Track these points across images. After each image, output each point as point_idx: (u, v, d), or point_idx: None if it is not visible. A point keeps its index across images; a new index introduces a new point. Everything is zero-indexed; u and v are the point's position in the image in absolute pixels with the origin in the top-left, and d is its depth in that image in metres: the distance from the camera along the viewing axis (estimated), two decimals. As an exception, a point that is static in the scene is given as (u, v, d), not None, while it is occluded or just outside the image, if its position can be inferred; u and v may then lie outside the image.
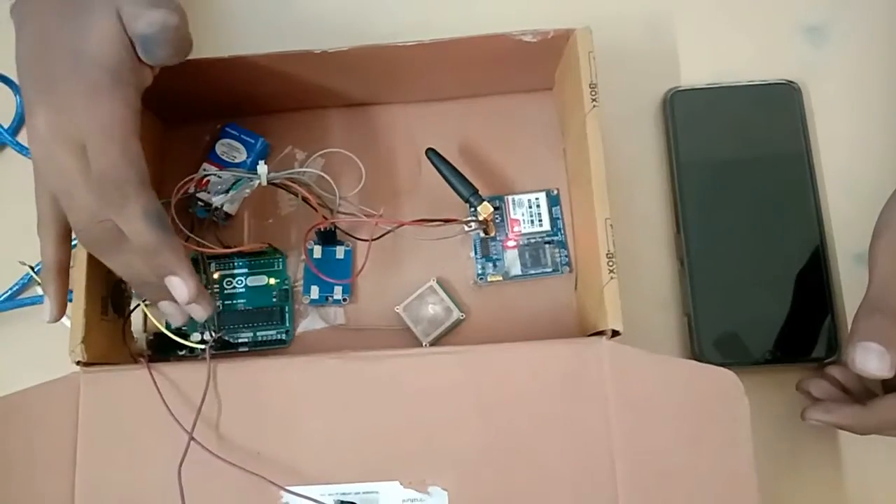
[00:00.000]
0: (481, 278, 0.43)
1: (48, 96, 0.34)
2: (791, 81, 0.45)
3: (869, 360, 0.35)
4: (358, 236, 0.44)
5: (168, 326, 0.43)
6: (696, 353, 0.42)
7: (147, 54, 0.34)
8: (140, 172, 0.34)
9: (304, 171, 0.42)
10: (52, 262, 0.37)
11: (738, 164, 0.44)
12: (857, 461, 0.41)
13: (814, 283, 0.42)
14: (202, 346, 0.37)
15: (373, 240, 0.42)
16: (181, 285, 0.36)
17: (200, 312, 0.37)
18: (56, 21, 0.35)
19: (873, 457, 0.40)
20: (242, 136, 0.44)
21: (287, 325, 0.43)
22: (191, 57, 0.37)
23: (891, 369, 0.34)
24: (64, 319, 0.42)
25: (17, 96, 0.48)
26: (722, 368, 0.35)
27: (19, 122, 0.48)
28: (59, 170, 0.34)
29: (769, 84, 0.45)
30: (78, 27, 0.34)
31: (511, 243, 0.44)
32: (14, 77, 0.48)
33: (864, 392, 0.39)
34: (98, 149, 0.34)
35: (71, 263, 0.38)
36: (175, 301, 0.37)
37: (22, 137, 0.47)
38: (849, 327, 0.41)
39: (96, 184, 0.34)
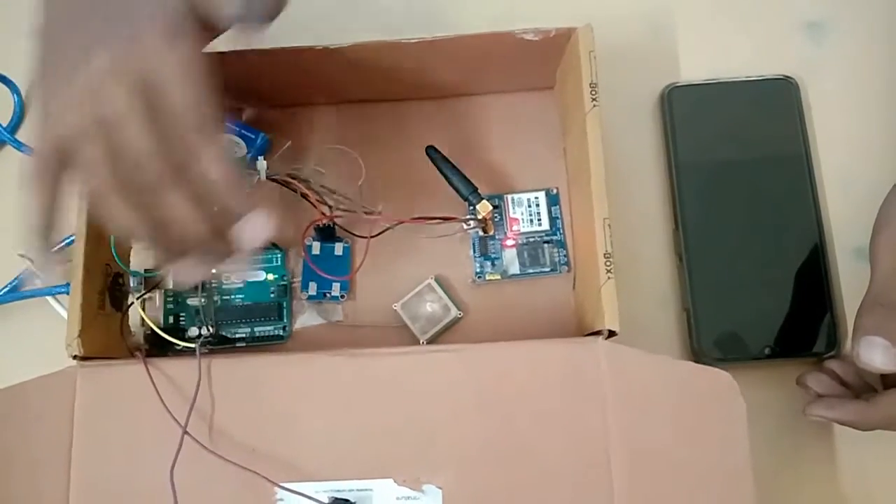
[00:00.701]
0: (479, 277, 0.43)
1: (111, 34, 0.32)
2: (789, 77, 0.45)
3: (874, 354, 0.35)
4: (357, 233, 0.44)
5: (164, 322, 0.43)
6: (696, 349, 0.42)
7: (238, 21, 0.34)
8: (218, 114, 0.33)
9: (303, 167, 0.41)
10: (38, 215, 0.34)
11: (736, 160, 0.44)
12: (854, 456, 0.41)
13: (812, 278, 0.42)
14: (194, 344, 0.37)
15: (371, 237, 0.42)
16: (265, 220, 0.33)
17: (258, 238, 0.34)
18: None
19: (870, 452, 0.40)
20: (242, 131, 0.44)
21: (285, 321, 0.43)
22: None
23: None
24: (62, 312, 0.42)
25: (16, 95, 0.48)
26: (717, 369, 0.35)
27: (18, 121, 0.48)
28: (112, 106, 0.32)
29: (767, 80, 0.45)
30: None
31: (510, 242, 0.44)
32: (10, 77, 0.48)
33: (863, 387, 0.39)
34: (179, 89, 0.32)
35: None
36: (186, 256, 0.33)
37: (20, 136, 0.47)
38: (848, 322, 0.42)
39: (175, 117, 0.32)
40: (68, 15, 0.34)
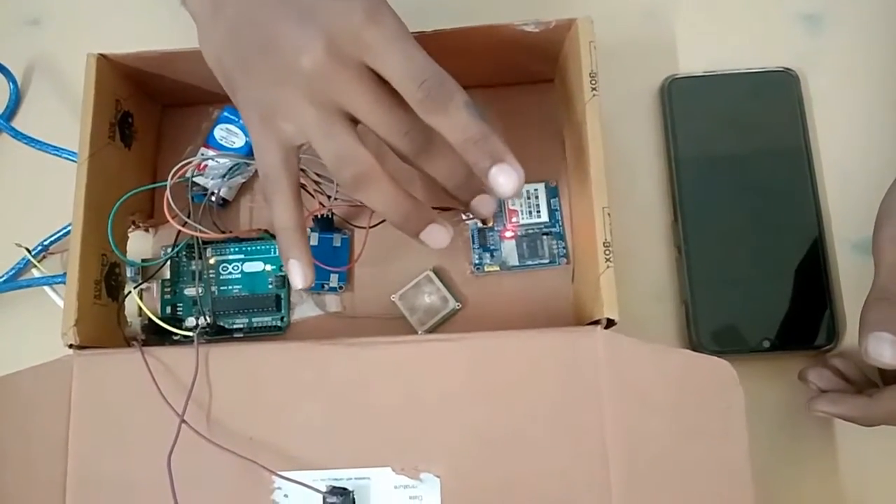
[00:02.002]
0: (478, 268, 0.43)
1: (312, 22, 0.32)
2: (789, 69, 0.45)
3: (883, 350, 0.34)
4: (355, 224, 0.43)
5: (162, 312, 0.43)
6: (694, 341, 0.42)
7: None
8: (439, 69, 0.33)
9: (302, 157, 0.41)
10: (292, 223, 0.35)
11: (735, 152, 0.44)
12: (853, 450, 0.40)
13: (812, 270, 0.42)
14: (192, 333, 0.36)
15: (370, 227, 0.42)
16: (512, 170, 0.33)
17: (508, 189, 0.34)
18: None
19: (870, 445, 0.40)
20: (240, 121, 0.44)
21: (283, 311, 0.43)
22: (192, 45, 0.37)
23: None
24: (58, 301, 0.42)
25: (11, 83, 0.48)
26: (717, 358, 0.34)
27: (13, 109, 0.48)
28: (348, 93, 0.32)
29: (767, 72, 0.45)
30: None
31: (509, 234, 0.44)
32: (6, 65, 0.48)
33: (865, 381, 0.39)
34: (401, 56, 0.32)
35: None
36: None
37: (17, 123, 0.47)
38: (847, 315, 0.41)
39: (410, 86, 0.32)
40: (240, 36, 0.34)
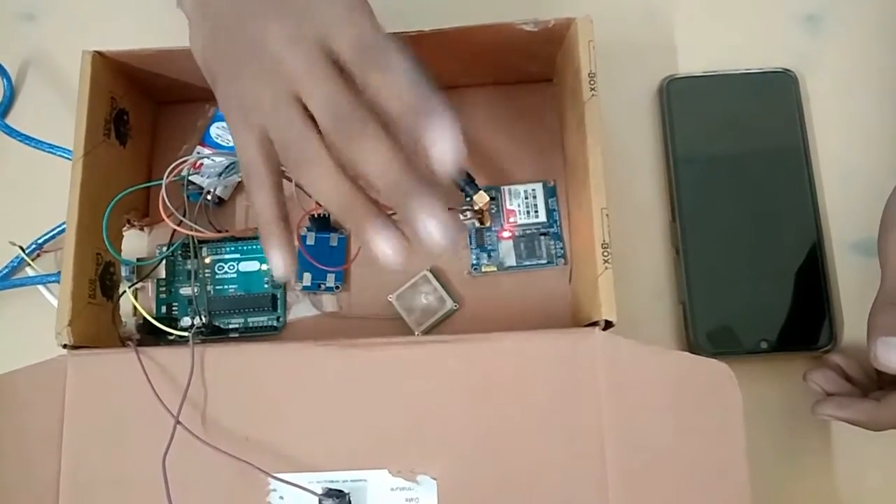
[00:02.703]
0: (475, 268, 0.43)
1: (287, 19, 0.32)
2: (788, 70, 0.45)
3: (893, 355, 0.34)
4: (352, 224, 0.43)
5: (157, 312, 0.43)
6: (692, 342, 0.41)
7: None
8: (397, 44, 0.31)
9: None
10: (272, 211, 0.33)
11: (734, 152, 0.44)
12: (851, 451, 0.40)
13: (810, 271, 0.42)
14: (187, 333, 0.36)
15: (367, 227, 0.42)
16: (449, 135, 0.29)
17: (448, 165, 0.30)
18: None
19: (866, 446, 0.40)
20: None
21: (279, 311, 0.43)
22: (188, 42, 0.36)
23: None
24: (52, 300, 0.42)
25: (5, 79, 0.48)
26: (715, 360, 0.34)
27: (8, 105, 0.48)
28: (303, 72, 0.31)
29: (766, 72, 0.45)
30: None
31: (506, 234, 0.43)
32: None
33: (869, 382, 0.39)
34: (349, 26, 0.31)
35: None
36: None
37: (11, 120, 0.47)
38: (846, 316, 0.41)
39: (353, 56, 0.31)
40: (225, 28, 0.34)
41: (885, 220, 0.37)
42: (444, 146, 0.29)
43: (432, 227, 0.29)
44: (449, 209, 0.41)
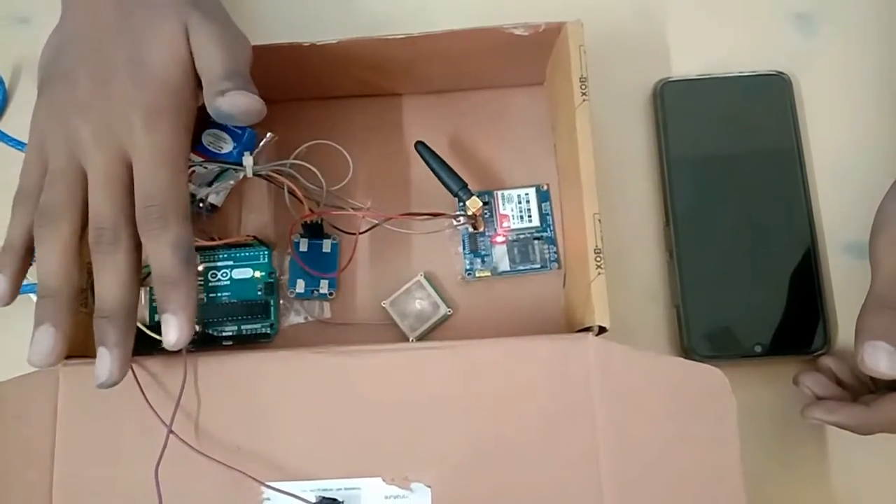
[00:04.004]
0: (469, 274, 0.43)
1: (101, 97, 0.34)
2: (781, 72, 0.45)
3: (880, 359, 0.34)
4: (345, 230, 0.43)
5: (150, 320, 0.42)
6: (685, 346, 0.41)
7: (216, 117, 0.35)
8: (184, 203, 0.34)
9: (291, 163, 0.41)
10: (20, 240, 0.35)
11: (727, 155, 0.44)
12: (845, 456, 0.40)
13: (804, 274, 0.42)
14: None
15: (360, 233, 0.42)
16: (177, 328, 0.33)
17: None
18: (114, 12, 0.35)
19: (861, 451, 0.40)
20: (229, 126, 0.43)
21: (272, 318, 0.42)
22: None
23: None
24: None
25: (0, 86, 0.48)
26: (709, 366, 0.34)
27: (0, 111, 0.47)
28: (92, 169, 0.34)
29: (759, 75, 0.45)
30: (141, 32, 0.35)
31: (500, 239, 0.43)
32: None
33: (860, 385, 0.39)
34: (149, 172, 0.33)
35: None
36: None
37: (3, 125, 0.47)
38: (840, 320, 0.41)
39: (141, 198, 0.33)
40: (78, 39, 0.36)
41: (876, 224, 0.37)
42: (170, 335, 0.33)
43: (99, 362, 0.33)
44: (440, 215, 0.41)
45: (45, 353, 0.33)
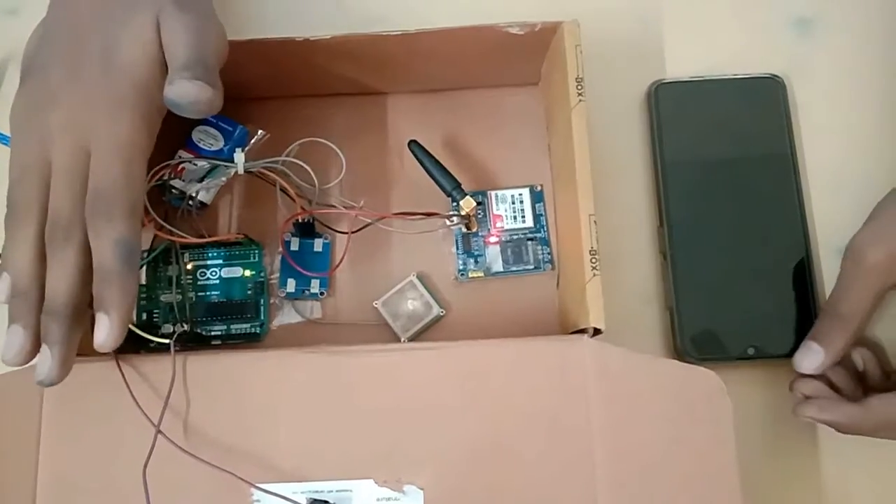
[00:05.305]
0: (462, 274, 0.43)
1: (71, 88, 0.34)
2: (776, 75, 0.45)
3: (803, 357, 0.39)
4: (337, 229, 0.43)
5: (138, 319, 0.42)
6: (679, 348, 0.41)
7: (167, 106, 0.34)
8: (133, 200, 0.33)
9: (283, 161, 0.41)
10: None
11: (722, 157, 0.44)
12: (837, 457, 0.40)
13: (797, 277, 0.42)
14: (167, 341, 0.35)
15: (352, 232, 0.41)
16: (107, 328, 0.32)
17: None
18: (93, 4, 0.35)
19: (853, 452, 0.40)
20: (220, 123, 0.43)
21: (262, 318, 0.42)
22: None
23: (819, 369, 0.38)
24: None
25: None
26: (704, 369, 0.34)
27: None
28: (55, 162, 0.33)
29: (754, 78, 0.45)
30: (114, 24, 0.34)
31: (493, 239, 0.43)
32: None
33: (854, 388, 0.39)
34: (103, 164, 0.33)
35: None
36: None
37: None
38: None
39: (90, 192, 0.33)
40: (55, 33, 0.36)
41: (860, 243, 0.38)
42: (99, 334, 0.32)
43: (40, 359, 0.32)
44: (433, 215, 0.41)
45: (15, 353, 0.32)
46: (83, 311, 0.33)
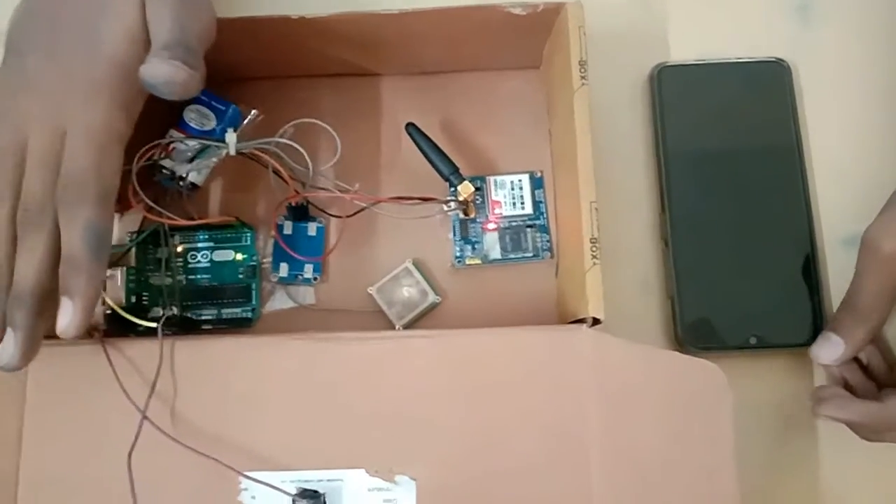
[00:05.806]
0: (459, 261, 0.42)
1: (48, 70, 0.33)
2: (781, 60, 0.44)
3: (821, 348, 0.38)
4: (331, 212, 0.42)
5: (126, 302, 0.41)
6: (679, 337, 0.41)
7: (146, 88, 0.33)
8: (106, 186, 0.32)
9: (276, 141, 0.40)
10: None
11: (725, 144, 0.43)
12: (836, 450, 0.40)
13: (800, 266, 0.41)
14: (155, 325, 0.35)
15: (347, 217, 0.40)
16: (70, 315, 0.31)
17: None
18: None
19: (852, 445, 0.39)
20: (213, 102, 0.41)
21: (253, 303, 0.41)
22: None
23: (838, 360, 0.38)
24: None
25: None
26: (707, 361, 0.33)
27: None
28: (31, 145, 0.32)
29: (759, 62, 0.44)
30: (96, 2, 0.33)
31: (491, 226, 0.42)
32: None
33: (869, 389, 0.39)
34: (77, 147, 0.32)
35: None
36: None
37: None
38: (835, 312, 0.41)
39: (61, 177, 0.32)
40: (37, 6, 0.35)
41: (871, 235, 0.37)
42: (61, 320, 0.31)
43: (6, 342, 0.31)
44: (430, 200, 0.40)
45: None
46: (51, 297, 0.32)
